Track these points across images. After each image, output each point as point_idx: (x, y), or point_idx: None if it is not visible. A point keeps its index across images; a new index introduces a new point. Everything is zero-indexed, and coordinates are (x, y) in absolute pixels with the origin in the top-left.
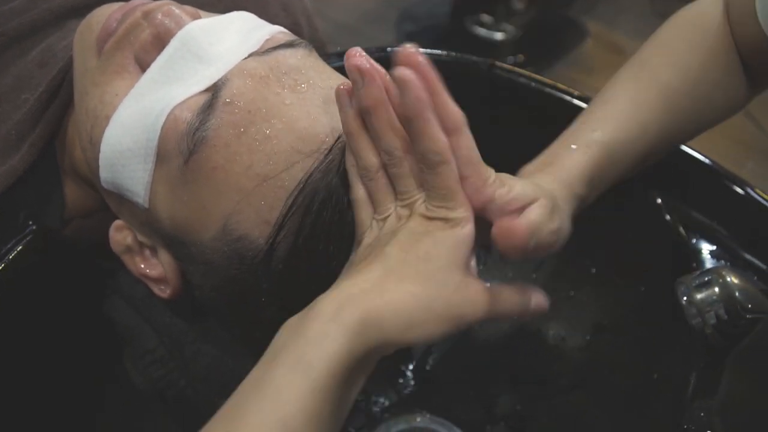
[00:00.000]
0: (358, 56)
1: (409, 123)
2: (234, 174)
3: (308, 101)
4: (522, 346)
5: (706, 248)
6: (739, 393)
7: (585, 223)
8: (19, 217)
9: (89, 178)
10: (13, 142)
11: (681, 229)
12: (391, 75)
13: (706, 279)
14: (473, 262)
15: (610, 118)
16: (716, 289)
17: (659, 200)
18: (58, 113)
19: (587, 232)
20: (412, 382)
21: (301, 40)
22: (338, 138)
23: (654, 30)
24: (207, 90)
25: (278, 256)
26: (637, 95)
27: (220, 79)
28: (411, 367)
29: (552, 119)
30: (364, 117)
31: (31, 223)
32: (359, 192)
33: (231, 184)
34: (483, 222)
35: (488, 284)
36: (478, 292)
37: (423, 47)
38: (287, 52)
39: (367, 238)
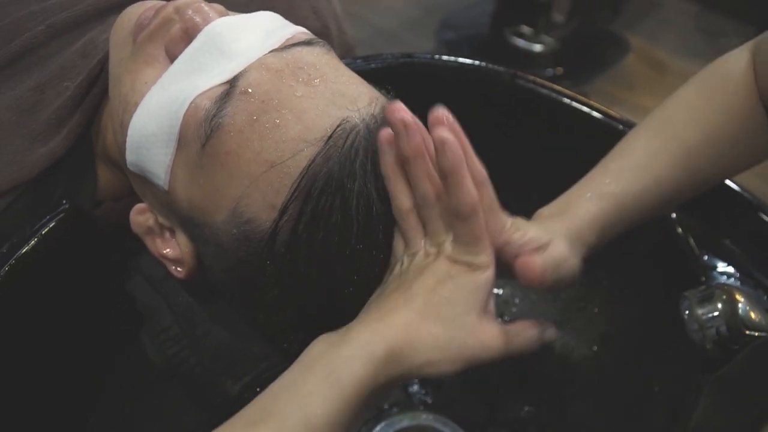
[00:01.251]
0: (403, 111)
1: (446, 177)
2: (245, 159)
3: (319, 95)
4: (532, 355)
5: (717, 265)
6: (710, 421)
7: None
8: (54, 196)
9: (120, 163)
10: (54, 126)
11: (693, 245)
12: (431, 133)
13: (711, 294)
14: (491, 305)
15: (625, 170)
16: (719, 305)
17: (673, 215)
18: (96, 101)
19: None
20: (420, 382)
21: (320, 40)
22: (338, 125)
23: (698, 47)
24: (227, 82)
25: (281, 240)
26: (655, 149)
27: (239, 72)
28: None
29: (571, 131)
30: (404, 164)
31: (65, 202)
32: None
33: (242, 168)
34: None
35: (503, 322)
36: (493, 336)
37: (460, 56)
38: (305, 50)
39: (397, 269)
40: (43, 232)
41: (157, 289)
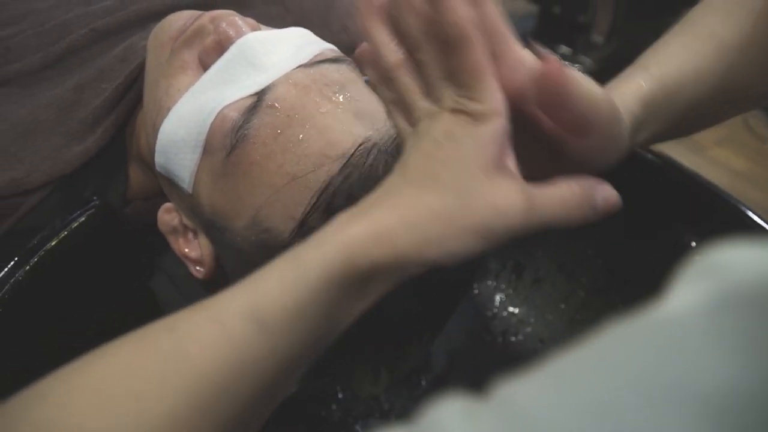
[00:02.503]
0: None
1: None
2: (268, 170)
3: (342, 112)
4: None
5: None
6: None
7: (616, 258)
8: (86, 192)
9: (151, 164)
10: (90, 125)
11: None
12: None
13: None
14: (510, 161)
15: (663, 59)
16: None
17: (693, 243)
18: (131, 104)
19: (618, 267)
20: (430, 395)
21: (346, 58)
22: (360, 144)
23: None
24: (255, 94)
25: None
26: (690, 44)
27: (267, 86)
28: (430, 378)
29: None
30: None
31: (95, 198)
32: (386, 96)
33: (264, 179)
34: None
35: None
36: (510, 194)
37: None
38: (331, 67)
39: (404, 150)
40: (73, 227)
41: (178, 288)
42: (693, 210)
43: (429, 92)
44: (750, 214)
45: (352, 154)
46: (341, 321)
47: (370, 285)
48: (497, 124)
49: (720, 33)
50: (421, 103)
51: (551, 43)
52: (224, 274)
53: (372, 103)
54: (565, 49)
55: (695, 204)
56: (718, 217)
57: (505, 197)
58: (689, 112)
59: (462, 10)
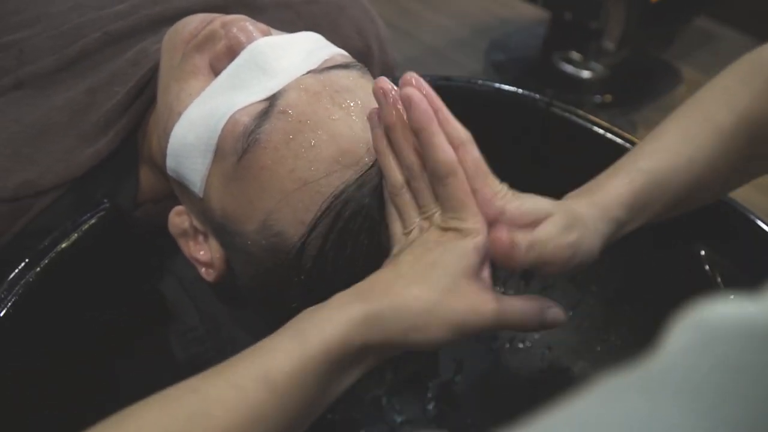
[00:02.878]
0: (383, 80)
1: (418, 137)
2: (279, 175)
3: (353, 118)
4: (550, 381)
5: None
6: None
7: (626, 267)
8: (97, 195)
9: (163, 167)
10: (101, 128)
11: (721, 284)
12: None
13: None
14: (486, 273)
15: (657, 150)
16: None
17: (702, 252)
18: (143, 107)
19: (627, 277)
20: (437, 400)
21: (357, 63)
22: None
23: None
24: (266, 99)
25: (308, 254)
26: (687, 131)
27: (278, 91)
28: (437, 383)
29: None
30: (388, 135)
31: (106, 201)
32: (391, 209)
33: (275, 184)
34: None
35: (501, 294)
36: (486, 301)
37: (509, 78)
38: (341, 73)
39: (394, 250)
40: (84, 229)
41: (187, 290)
42: (701, 217)
43: (423, 210)
44: (759, 223)
45: (368, 164)
46: (337, 388)
47: (362, 360)
48: (479, 239)
49: (718, 118)
50: (416, 218)
51: (562, 50)
52: (234, 277)
53: None
54: (576, 55)
55: (704, 212)
56: (727, 225)
57: (482, 302)
58: (680, 200)
59: (448, 150)
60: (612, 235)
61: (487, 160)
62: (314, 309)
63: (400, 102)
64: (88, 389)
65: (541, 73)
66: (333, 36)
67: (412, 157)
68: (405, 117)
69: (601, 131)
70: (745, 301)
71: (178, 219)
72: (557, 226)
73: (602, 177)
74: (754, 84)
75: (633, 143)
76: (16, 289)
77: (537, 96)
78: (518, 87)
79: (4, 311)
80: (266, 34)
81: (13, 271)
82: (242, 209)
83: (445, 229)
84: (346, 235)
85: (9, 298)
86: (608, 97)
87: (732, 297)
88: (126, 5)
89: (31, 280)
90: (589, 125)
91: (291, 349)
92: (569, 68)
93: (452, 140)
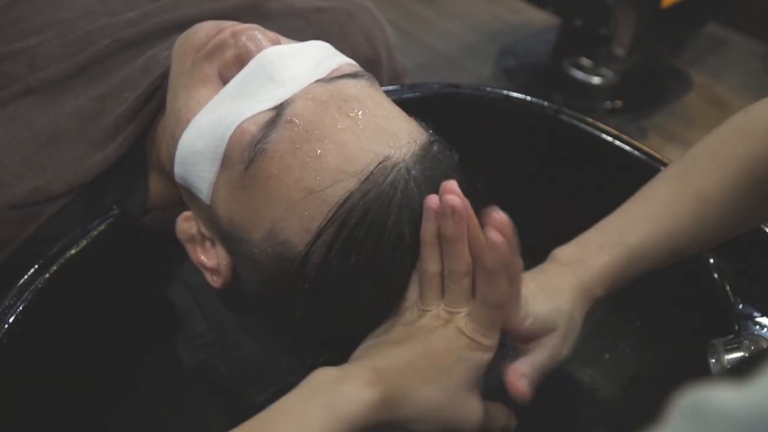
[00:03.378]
0: (454, 191)
1: (486, 272)
2: (285, 184)
3: (360, 128)
4: (558, 389)
5: (753, 315)
6: None
7: None
8: (106, 201)
9: (170, 173)
10: (111, 134)
11: (729, 292)
12: (484, 231)
13: (739, 343)
14: (479, 384)
15: (641, 219)
16: (746, 354)
17: (711, 260)
18: (152, 114)
19: (636, 284)
20: None
21: (365, 72)
22: (379, 162)
23: (763, 87)
24: (273, 108)
25: (313, 262)
26: (672, 199)
27: (286, 100)
28: None
29: (612, 169)
30: (444, 242)
31: (115, 207)
32: (414, 275)
33: (281, 193)
34: None
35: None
36: (477, 410)
37: (519, 84)
38: (349, 82)
39: (406, 317)
40: (93, 235)
41: (195, 297)
42: None
43: (448, 303)
44: (766, 230)
45: (372, 172)
46: None
47: (374, 427)
48: (490, 356)
49: (703, 188)
50: (438, 305)
51: (572, 56)
52: (240, 283)
53: (390, 119)
54: (586, 61)
55: None
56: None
57: (474, 412)
58: (654, 269)
59: (506, 291)
60: (587, 313)
61: (496, 167)
62: (335, 378)
63: (462, 221)
64: (97, 395)
65: (551, 79)
66: (342, 44)
67: (459, 267)
68: (465, 234)
69: (609, 138)
70: (737, 386)
71: (186, 224)
72: (557, 345)
73: (588, 242)
74: (737, 146)
75: (641, 150)
76: (26, 295)
77: (545, 103)
78: (528, 93)
79: (13, 317)
80: (276, 42)
81: (23, 277)
82: (249, 217)
83: (464, 334)
84: (350, 243)
85: (18, 304)
86: (618, 103)
87: (724, 383)
88: (136, 13)
89: (40, 286)
90: (597, 132)
91: (327, 424)
92: (579, 74)
93: (511, 275)
